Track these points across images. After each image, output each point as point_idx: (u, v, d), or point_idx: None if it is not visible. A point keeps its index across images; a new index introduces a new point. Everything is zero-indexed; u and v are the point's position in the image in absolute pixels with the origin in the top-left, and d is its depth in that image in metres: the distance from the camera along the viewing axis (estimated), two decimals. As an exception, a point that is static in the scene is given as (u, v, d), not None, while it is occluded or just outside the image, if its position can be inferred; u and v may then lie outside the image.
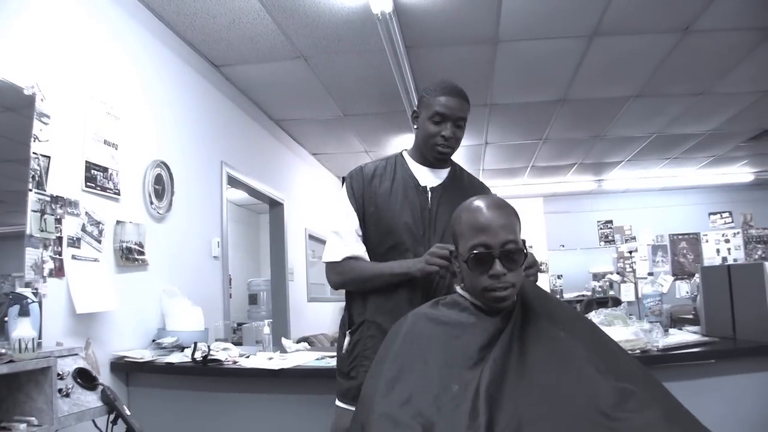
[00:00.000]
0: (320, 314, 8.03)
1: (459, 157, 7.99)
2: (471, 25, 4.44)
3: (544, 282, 11.15)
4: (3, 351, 2.13)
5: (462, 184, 2.33)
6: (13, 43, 2.75)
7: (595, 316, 3.16)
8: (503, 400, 1.42)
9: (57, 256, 2.91)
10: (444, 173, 2.33)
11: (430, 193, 2.24)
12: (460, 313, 1.70)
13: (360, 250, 2.22)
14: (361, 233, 2.24)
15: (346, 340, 2.22)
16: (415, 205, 2.21)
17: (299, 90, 5.71)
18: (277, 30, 4.33)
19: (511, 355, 1.53)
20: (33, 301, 2.30)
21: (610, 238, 11.76)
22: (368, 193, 2.25)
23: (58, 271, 2.91)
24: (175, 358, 3.23)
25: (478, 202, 1.73)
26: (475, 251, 1.65)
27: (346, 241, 2.22)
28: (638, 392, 1.44)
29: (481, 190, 2.31)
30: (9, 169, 2.88)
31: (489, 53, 4.95)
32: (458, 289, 1.82)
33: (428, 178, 2.29)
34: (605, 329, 2.85)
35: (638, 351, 2.80)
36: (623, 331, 2.91)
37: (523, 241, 1.71)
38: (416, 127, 2.30)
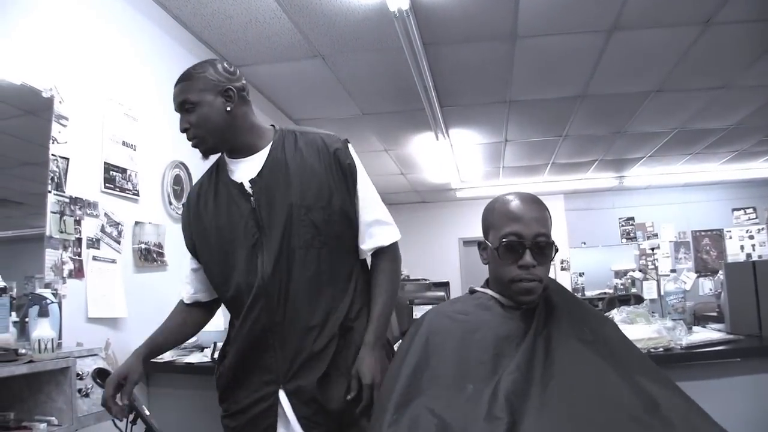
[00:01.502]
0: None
1: (479, 155, 7.94)
2: (489, 21, 4.41)
3: (565, 280, 11.14)
4: (23, 351, 2.14)
5: (288, 154, 1.89)
6: (30, 46, 2.76)
7: (617, 314, 3.11)
8: (528, 406, 1.39)
9: (76, 257, 2.92)
10: (262, 155, 1.91)
11: (250, 188, 1.87)
12: (480, 308, 1.70)
13: (200, 297, 2.08)
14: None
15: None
16: (241, 210, 1.87)
17: (317, 89, 5.70)
18: (294, 29, 4.32)
19: (536, 361, 1.50)
20: (52, 302, 2.31)
21: (631, 235, 11.64)
22: (196, 224, 1.99)
23: (78, 272, 2.92)
24: (195, 358, 3.23)
25: (513, 195, 1.74)
26: (506, 239, 1.64)
27: (190, 282, 2.09)
28: (667, 397, 1.42)
29: (326, 144, 1.90)
30: (28, 171, 2.90)
31: (507, 49, 4.91)
32: (477, 288, 1.81)
33: (245, 170, 1.91)
34: (627, 327, 2.84)
35: (661, 349, 2.75)
36: (646, 329, 2.86)
37: (556, 249, 1.70)
38: None
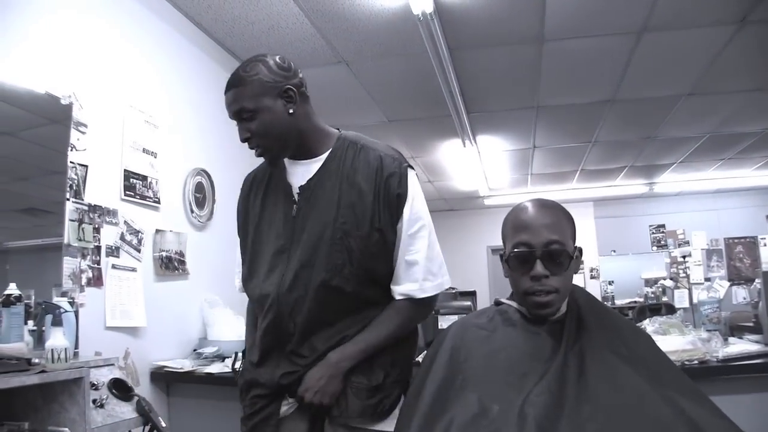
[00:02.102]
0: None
1: (507, 162, 7.85)
2: (515, 24, 4.32)
3: (595, 288, 11.01)
4: (36, 361, 2.10)
5: (344, 169, 1.76)
6: (49, 52, 2.74)
7: (650, 325, 3.00)
8: (561, 426, 1.30)
9: (95, 266, 2.89)
10: (319, 162, 1.80)
11: (297, 195, 1.78)
12: (506, 323, 1.61)
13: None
14: None
15: None
16: (282, 214, 1.79)
17: (342, 95, 5.65)
18: (317, 34, 4.27)
19: (568, 380, 1.40)
20: (66, 311, 2.27)
21: (662, 242, 11.43)
22: (243, 214, 1.93)
23: (97, 281, 2.89)
24: (216, 368, 3.18)
25: (526, 202, 1.65)
26: (515, 250, 1.56)
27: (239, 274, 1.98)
28: (709, 421, 1.32)
29: (382, 166, 1.75)
30: (47, 179, 2.88)
31: (534, 53, 4.81)
32: (503, 299, 1.72)
33: (299, 174, 1.81)
34: (660, 338, 2.73)
35: (696, 361, 2.64)
36: (680, 340, 2.75)
37: (579, 249, 1.60)
38: None
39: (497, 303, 1.73)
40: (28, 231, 2.85)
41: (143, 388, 3.05)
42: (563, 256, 1.54)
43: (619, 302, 10.35)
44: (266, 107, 1.69)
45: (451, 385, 1.49)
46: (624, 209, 11.47)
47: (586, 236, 11.08)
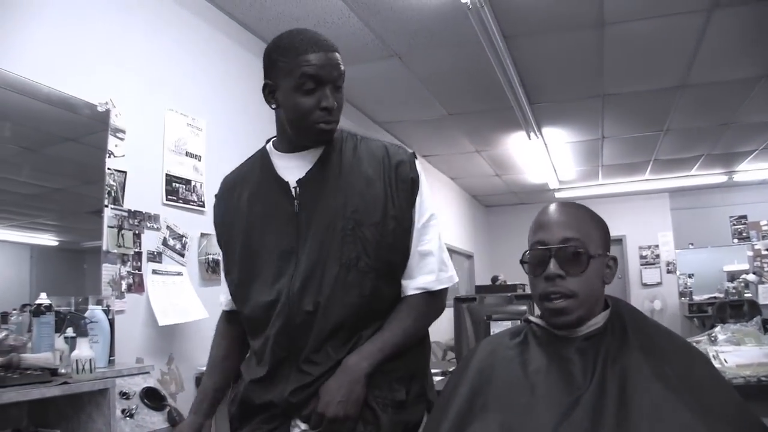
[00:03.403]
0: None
1: (575, 153, 7.63)
2: (572, 8, 4.12)
3: (672, 282, 10.65)
4: (63, 371, 2.08)
5: (345, 158, 1.64)
6: (85, 60, 2.73)
7: (721, 333, 2.75)
8: None
9: (136, 272, 2.87)
10: (316, 154, 1.64)
11: (296, 190, 1.61)
12: (535, 343, 1.45)
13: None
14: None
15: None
16: (280, 212, 1.62)
17: (398, 90, 5.58)
18: (365, 28, 4.18)
19: (606, 412, 1.23)
20: (91, 321, 2.24)
21: (744, 234, 10.84)
22: (229, 217, 1.72)
23: (138, 287, 2.87)
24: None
25: (550, 204, 1.49)
26: (531, 250, 1.43)
27: (224, 289, 1.76)
28: None
29: (388, 155, 1.65)
30: (85, 187, 2.87)
31: (595, 38, 4.59)
32: (531, 317, 1.55)
33: (293, 167, 1.64)
34: (733, 349, 2.49)
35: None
36: (755, 352, 2.48)
37: (612, 258, 1.43)
38: (275, 106, 1.65)
39: (527, 321, 1.57)
40: (96, 232, 2.84)
41: (187, 393, 3.01)
42: (579, 255, 1.38)
43: (697, 298, 9.93)
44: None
45: (472, 408, 1.37)
46: (702, 200, 10.96)
47: (662, 229, 10.76)
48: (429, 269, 1.61)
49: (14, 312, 2.38)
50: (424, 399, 1.64)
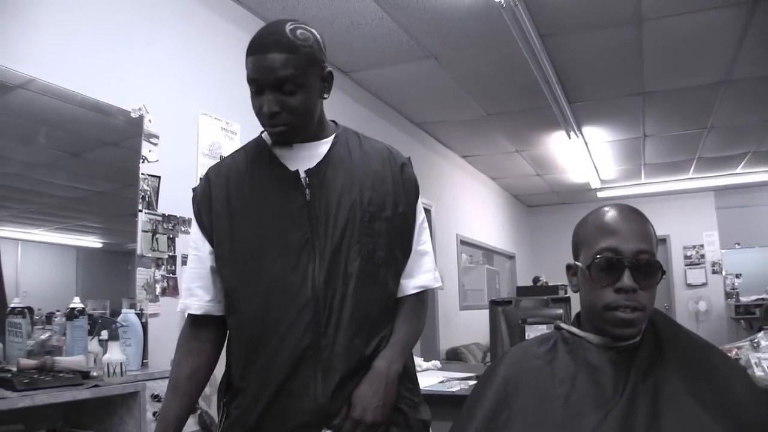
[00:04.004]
0: (473, 322, 7.78)
1: (616, 152, 7.47)
2: (608, 5, 4.05)
3: (717, 283, 10.40)
4: (95, 374, 2.12)
5: (353, 152, 1.61)
6: (117, 67, 2.78)
7: (764, 338, 2.64)
8: None
9: (170, 275, 2.90)
10: (323, 146, 1.58)
11: (305, 180, 1.54)
12: (566, 351, 1.40)
13: (213, 308, 1.57)
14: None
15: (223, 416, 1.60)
16: (287, 202, 1.53)
17: (436, 90, 5.56)
18: (400, 29, 4.17)
19: (636, 428, 1.20)
20: (122, 325, 2.27)
21: (793, 234, 10.55)
22: (219, 209, 1.56)
23: (172, 290, 2.91)
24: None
25: (610, 206, 1.40)
26: (600, 256, 1.33)
27: (192, 291, 1.58)
28: None
29: (392, 155, 1.65)
30: (119, 192, 2.92)
31: (634, 34, 4.50)
32: (562, 324, 1.50)
33: (299, 158, 1.57)
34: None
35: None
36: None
37: (663, 271, 1.37)
38: None
39: (557, 328, 1.52)
40: (133, 235, 2.89)
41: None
42: (654, 268, 1.32)
43: (744, 299, 9.69)
44: (310, 85, 1.47)
45: (497, 420, 1.34)
46: (749, 198, 10.63)
47: (707, 228, 10.53)
48: (427, 268, 1.65)
49: (58, 313, 2.44)
50: (423, 398, 1.68)
